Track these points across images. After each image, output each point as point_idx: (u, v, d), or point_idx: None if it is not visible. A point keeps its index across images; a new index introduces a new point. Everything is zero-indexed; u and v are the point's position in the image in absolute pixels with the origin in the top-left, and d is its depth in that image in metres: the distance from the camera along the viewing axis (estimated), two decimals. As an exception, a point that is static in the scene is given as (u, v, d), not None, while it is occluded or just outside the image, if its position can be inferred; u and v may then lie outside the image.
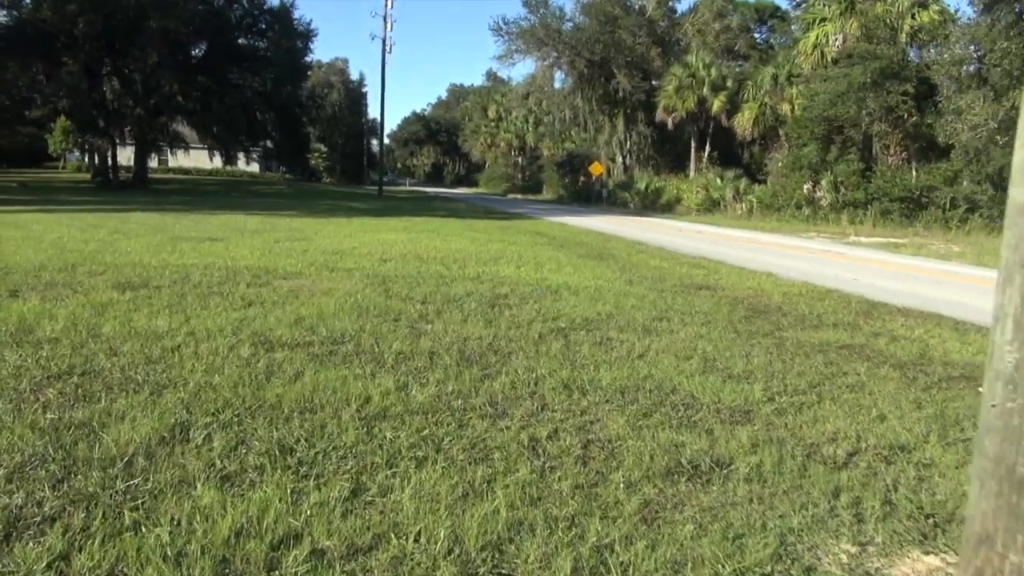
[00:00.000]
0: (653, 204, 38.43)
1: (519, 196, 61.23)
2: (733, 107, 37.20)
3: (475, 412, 4.04)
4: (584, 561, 2.50)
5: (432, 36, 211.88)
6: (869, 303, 9.03)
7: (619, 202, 41.62)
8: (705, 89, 37.89)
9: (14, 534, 2.46)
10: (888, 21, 25.73)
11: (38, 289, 7.20)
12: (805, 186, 27.85)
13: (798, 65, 31.64)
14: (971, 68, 23.03)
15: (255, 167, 65.27)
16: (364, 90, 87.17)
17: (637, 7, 45.24)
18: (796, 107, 31.11)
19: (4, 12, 33.66)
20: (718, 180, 34.33)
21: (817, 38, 28.74)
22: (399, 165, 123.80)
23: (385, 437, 3.53)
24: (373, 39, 63.77)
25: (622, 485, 3.11)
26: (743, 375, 5.27)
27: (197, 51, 38.60)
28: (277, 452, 3.27)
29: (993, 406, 1.82)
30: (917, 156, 26.17)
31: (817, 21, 28.90)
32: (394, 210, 27.70)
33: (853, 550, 2.75)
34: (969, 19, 24.13)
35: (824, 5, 28.76)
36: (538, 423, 3.92)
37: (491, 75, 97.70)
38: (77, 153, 54.00)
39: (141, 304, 6.61)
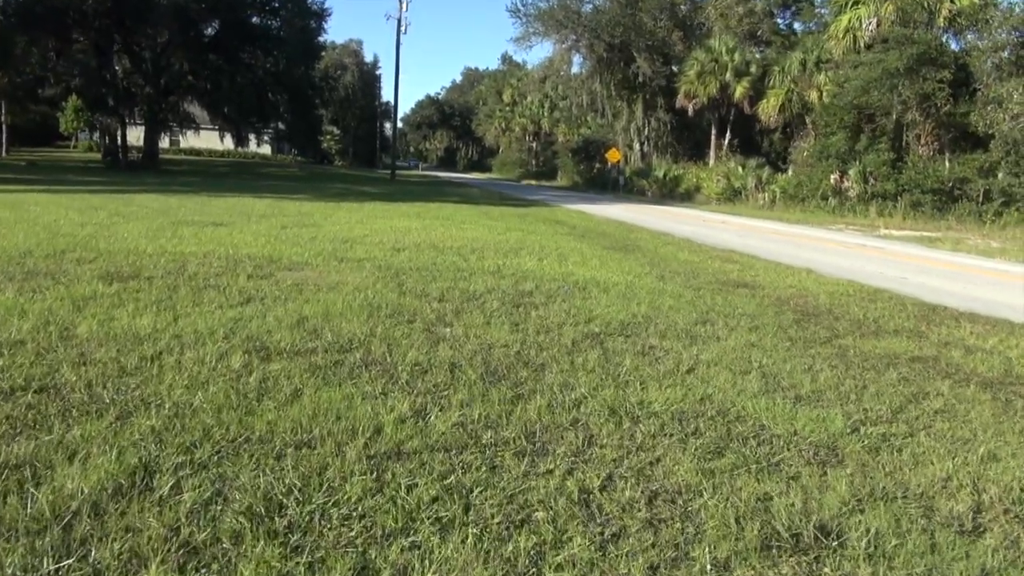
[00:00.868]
0: (671, 193, 37.51)
1: (533, 182, 60.35)
2: (756, 94, 36.08)
3: (508, 448, 3.32)
4: None
5: (447, 19, 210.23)
6: (926, 306, 8.25)
7: (636, 190, 40.70)
8: (728, 75, 36.78)
9: None
10: (926, 4, 24.62)
11: (16, 279, 6.52)
12: (832, 176, 26.87)
13: (827, 50, 30.51)
14: (1012, 54, 21.97)
15: (267, 149, 64.61)
16: (378, 72, 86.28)
17: (659, -11, 44.08)
18: (824, 94, 30.02)
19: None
20: (739, 169, 33.34)
21: (849, 22, 27.61)
22: (412, 149, 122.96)
23: (399, 486, 2.81)
24: (388, 19, 63.28)
25: (710, 567, 2.38)
26: (812, 396, 4.54)
27: (209, 29, 37.80)
28: (262, 509, 2.56)
29: None
30: (950, 146, 25.14)
31: (850, 4, 27.77)
32: (407, 195, 26.96)
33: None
34: (1011, 3, 23.09)
35: (857, -12, 27.69)
36: (586, 465, 3.20)
37: (506, 59, 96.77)
38: (89, 133, 53.47)
39: (127, 299, 5.92)
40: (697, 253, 12.55)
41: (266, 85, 38.53)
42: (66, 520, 2.39)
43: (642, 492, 2.93)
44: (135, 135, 40.91)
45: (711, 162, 39.22)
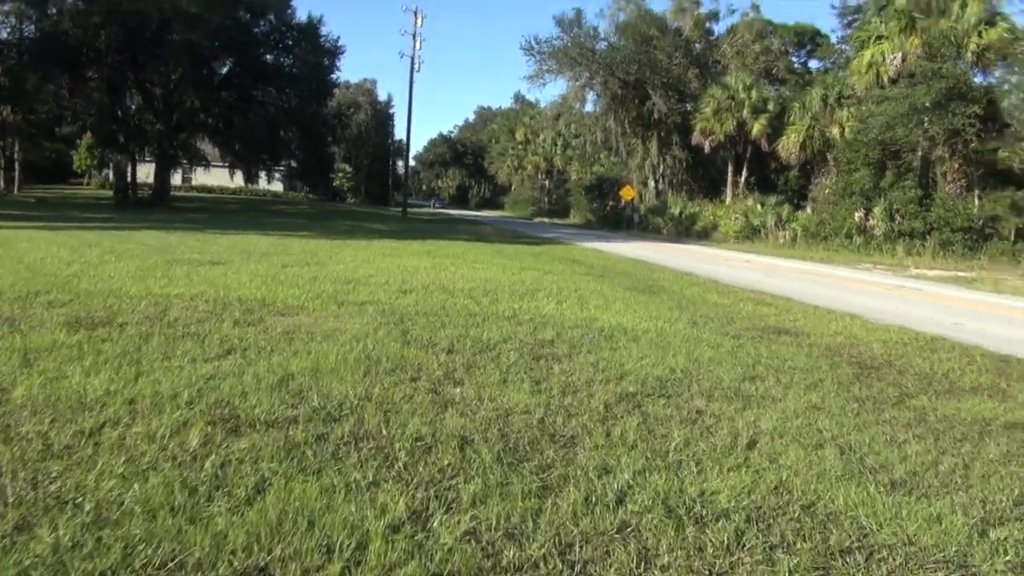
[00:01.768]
0: (688, 231, 36.72)
1: (546, 220, 59.81)
2: (774, 131, 35.43)
3: (540, 574, 2.45)
4: None
5: (460, 58, 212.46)
6: (996, 358, 7.33)
7: (651, 228, 39.95)
8: (745, 111, 36.19)
9: None
10: (953, 39, 23.94)
11: (-31, 326, 5.74)
12: (856, 214, 25.98)
13: (849, 86, 29.86)
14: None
15: (279, 186, 64.41)
16: (391, 111, 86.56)
17: (674, 27, 43.86)
18: (847, 130, 29.27)
19: (27, 25, 32.93)
20: (758, 206, 32.52)
21: (872, 57, 26.93)
22: (425, 187, 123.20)
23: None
24: (402, 57, 63.38)
25: None
26: (910, 481, 3.65)
27: (221, 67, 37.66)
28: None
29: None
30: (979, 183, 24.27)
31: (873, 39, 27.13)
32: (417, 233, 26.28)
33: None
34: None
35: (881, 22, 27.00)
36: (646, 603, 2.32)
37: (519, 97, 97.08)
38: (104, 170, 53.53)
39: (88, 351, 5.11)
40: (726, 295, 11.67)
41: (278, 122, 38.21)
42: None
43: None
44: (147, 172, 40.69)
45: (727, 200, 38.46)
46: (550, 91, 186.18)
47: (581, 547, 2.67)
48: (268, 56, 38.00)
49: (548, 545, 2.65)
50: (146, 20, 30.63)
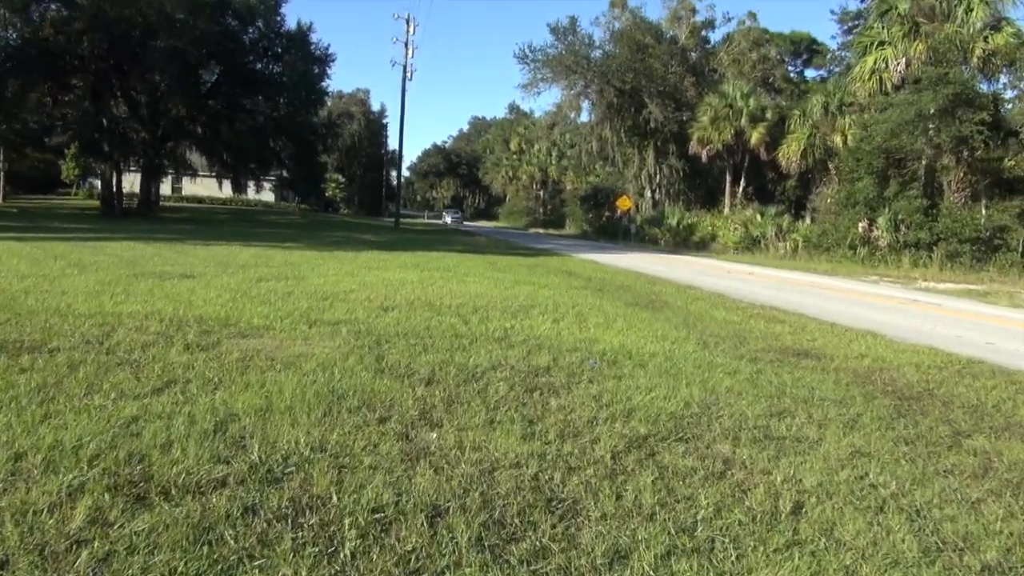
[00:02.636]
0: (686, 241, 35.98)
1: (541, 230, 59.07)
2: (772, 140, 34.76)
3: None
4: None
5: (454, 69, 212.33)
6: (1046, 384, 6.54)
7: (648, 239, 39.21)
8: (743, 120, 35.52)
9: None
10: (959, 44, 23.26)
11: None
12: (860, 224, 25.23)
13: (851, 92, 29.17)
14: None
15: (270, 197, 63.54)
16: (385, 121, 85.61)
17: (669, 36, 43.25)
18: (849, 138, 28.56)
19: (10, 32, 32.10)
20: (758, 217, 31.79)
21: (875, 63, 26.21)
22: (419, 197, 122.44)
23: None
24: (394, 66, 62.31)
25: None
26: (1004, 563, 2.84)
27: (208, 75, 36.83)
28: None
29: None
30: (985, 193, 23.58)
31: (875, 44, 26.45)
32: (408, 244, 25.46)
33: None
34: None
35: (883, 27, 26.33)
36: None
37: (513, 108, 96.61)
38: (89, 180, 52.62)
39: (-5, 385, 4.29)
40: (734, 310, 10.88)
41: (267, 131, 37.35)
42: None
43: None
44: (132, 182, 39.82)
45: (726, 210, 37.73)
46: (545, 100, 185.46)
47: None
48: (257, 64, 37.17)
49: None
50: (130, 27, 29.85)
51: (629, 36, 41.48)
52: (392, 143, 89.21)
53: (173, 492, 2.93)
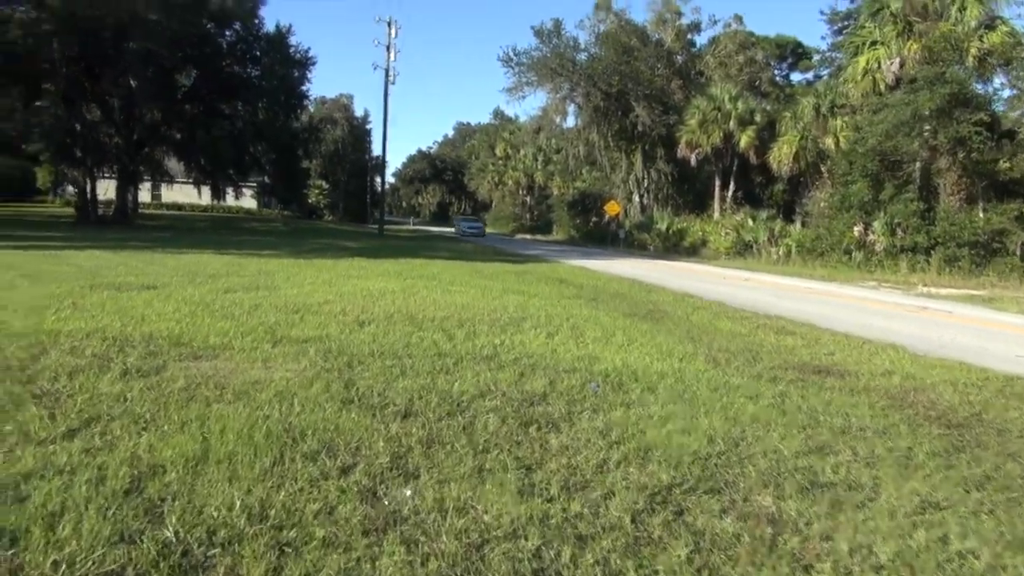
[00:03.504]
0: (676, 247, 35.33)
1: (528, 236, 58.36)
2: (762, 143, 34.19)
3: None
4: None
5: (438, 74, 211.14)
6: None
7: (637, 244, 38.55)
8: (731, 123, 34.93)
9: None
10: (954, 43, 22.71)
11: None
12: (855, 228, 24.63)
13: (843, 94, 28.61)
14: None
15: (252, 203, 62.37)
16: (369, 127, 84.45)
17: (655, 38, 42.65)
18: (842, 140, 27.99)
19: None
20: (750, 221, 31.17)
21: (867, 63, 25.66)
22: (404, 204, 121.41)
23: None
24: (376, 69, 61.43)
25: None
26: None
27: (184, 78, 35.77)
28: None
29: None
30: (983, 195, 23.05)
31: (867, 44, 25.90)
32: (392, 250, 24.59)
33: None
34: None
35: (875, 27, 25.76)
36: None
37: (498, 113, 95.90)
38: (62, 186, 51.31)
39: None
40: (739, 321, 10.15)
41: (246, 136, 36.30)
42: None
43: None
44: (106, 188, 38.69)
45: (715, 214, 37.12)
46: (530, 104, 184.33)
47: None
48: (235, 67, 36.13)
49: None
50: (101, 27, 28.81)
51: (615, 39, 40.86)
52: (376, 149, 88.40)
53: (43, 597, 2.12)
